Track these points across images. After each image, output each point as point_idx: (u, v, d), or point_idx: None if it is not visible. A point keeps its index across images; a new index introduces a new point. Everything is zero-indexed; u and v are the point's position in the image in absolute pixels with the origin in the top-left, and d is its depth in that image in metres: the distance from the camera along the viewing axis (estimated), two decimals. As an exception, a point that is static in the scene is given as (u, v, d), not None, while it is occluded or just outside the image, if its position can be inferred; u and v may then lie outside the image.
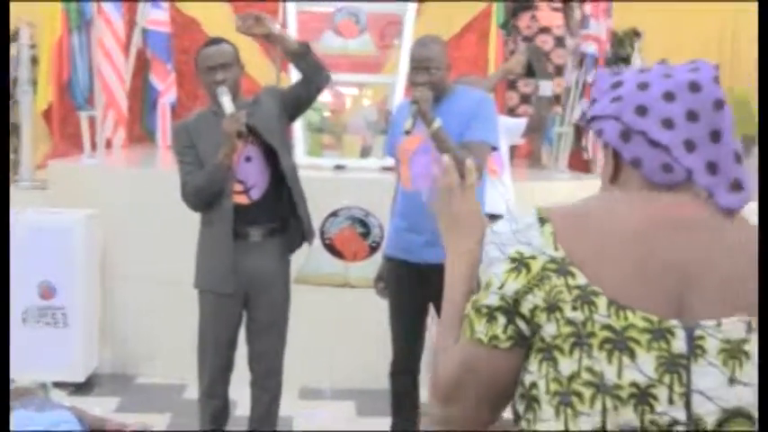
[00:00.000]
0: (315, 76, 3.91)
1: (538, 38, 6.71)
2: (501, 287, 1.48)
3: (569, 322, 1.43)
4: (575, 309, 1.42)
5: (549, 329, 1.44)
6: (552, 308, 1.44)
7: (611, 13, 7.30)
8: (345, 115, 6.69)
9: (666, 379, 1.39)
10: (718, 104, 1.51)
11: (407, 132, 3.76)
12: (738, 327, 1.42)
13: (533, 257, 1.47)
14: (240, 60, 3.93)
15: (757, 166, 2.71)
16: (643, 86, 1.53)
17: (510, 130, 5.12)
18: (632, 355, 1.40)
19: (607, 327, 1.41)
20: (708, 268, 1.44)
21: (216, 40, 3.96)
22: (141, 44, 7.81)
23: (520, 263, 1.48)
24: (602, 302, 1.42)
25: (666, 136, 1.50)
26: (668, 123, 1.50)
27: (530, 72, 5.54)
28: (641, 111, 1.51)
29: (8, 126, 6.02)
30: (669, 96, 1.51)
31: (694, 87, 1.51)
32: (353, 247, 5.41)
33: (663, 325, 1.40)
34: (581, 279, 1.43)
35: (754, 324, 1.42)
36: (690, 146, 1.50)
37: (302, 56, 3.90)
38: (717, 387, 1.40)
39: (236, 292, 3.86)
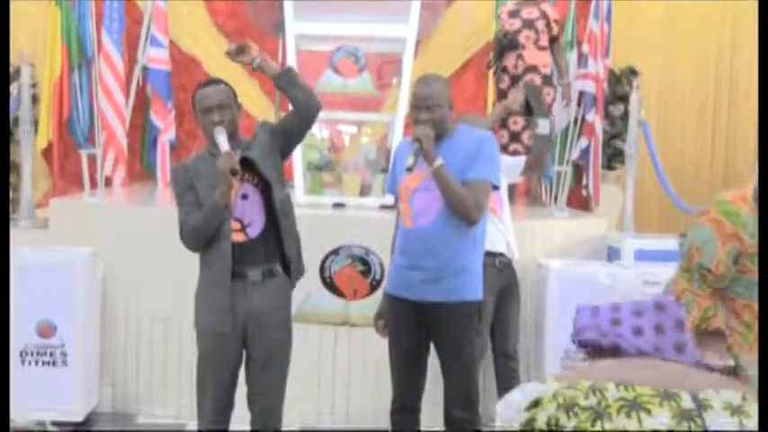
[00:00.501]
0: (305, 105, 3.94)
1: (525, 76, 6.76)
2: None
3: (585, 408, 1.69)
4: (586, 397, 1.72)
5: (569, 425, 1.70)
6: (568, 408, 1.73)
7: (608, 51, 7.35)
8: (345, 154, 6.71)
9: (684, 425, 1.60)
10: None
11: (409, 169, 3.78)
12: (735, 396, 1.70)
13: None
14: (237, 100, 3.95)
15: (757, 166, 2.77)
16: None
17: (508, 168, 5.12)
18: (648, 412, 1.65)
19: (620, 398, 1.70)
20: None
21: (212, 81, 3.99)
22: (141, 82, 7.84)
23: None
24: (610, 386, 1.73)
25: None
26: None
27: (527, 110, 5.55)
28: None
29: (8, 149, 5.97)
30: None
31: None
32: (354, 286, 5.41)
33: (669, 391, 1.69)
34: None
35: (747, 396, 1.70)
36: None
37: (285, 77, 3.93)
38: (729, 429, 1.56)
39: (234, 332, 3.83)
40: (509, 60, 6.92)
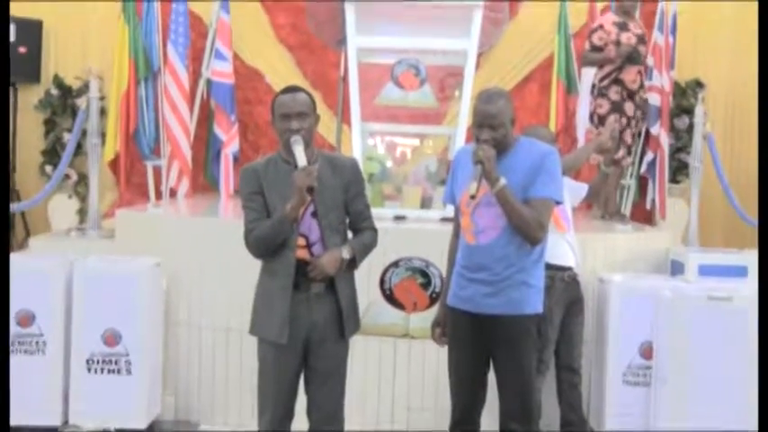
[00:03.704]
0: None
1: (640, 93, 6.72)
2: None
3: None
4: None
5: None
6: None
7: (674, 64, 7.27)
8: (406, 166, 6.72)
9: None
10: None
11: (473, 197, 3.76)
12: None
13: None
14: (316, 110, 3.93)
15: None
16: None
17: (572, 192, 5.15)
18: None
19: None
20: None
21: (293, 88, 3.95)
22: (205, 95, 7.96)
23: None
24: None
25: None
26: None
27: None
28: None
29: (8, 129, 5.99)
30: None
31: None
32: (414, 298, 5.41)
33: None
34: None
35: None
36: None
37: (359, 261, 3.93)
38: None
39: (295, 343, 3.84)
40: (628, 75, 6.78)
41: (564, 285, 4.95)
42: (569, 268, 4.98)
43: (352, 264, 3.90)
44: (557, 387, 5.18)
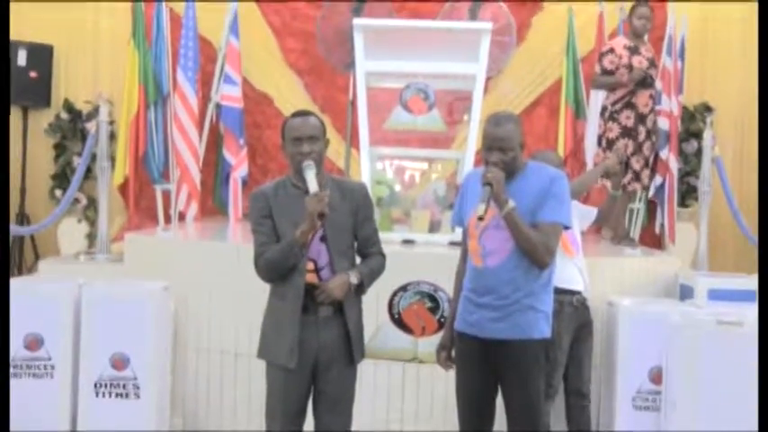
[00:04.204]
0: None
1: (650, 116, 6.75)
2: None
3: None
4: None
5: None
6: None
7: (682, 88, 7.28)
8: (415, 190, 6.72)
9: None
10: None
11: (481, 218, 3.76)
12: None
13: None
14: (326, 134, 3.94)
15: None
16: None
17: (581, 216, 5.17)
18: None
19: None
20: None
21: (303, 112, 3.96)
22: (214, 119, 8.00)
23: None
24: None
25: None
26: None
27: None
28: None
29: (8, 132, 5.97)
30: None
31: None
32: (422, 322, 5.40)
33: None
34: None
35: None
36: None
37: (366, 286, 3.95)
38: None
39: (303, 367, 3.84)
40: (641, 98, 6.80)
41: (573, 309, 4.94)
42: (578, 292, 4.98)
43: (360, 288, 3.91)
44: (566, 411, 5.16)
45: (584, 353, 5.09)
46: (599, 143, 6.90)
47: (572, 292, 4.93)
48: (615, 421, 5.28)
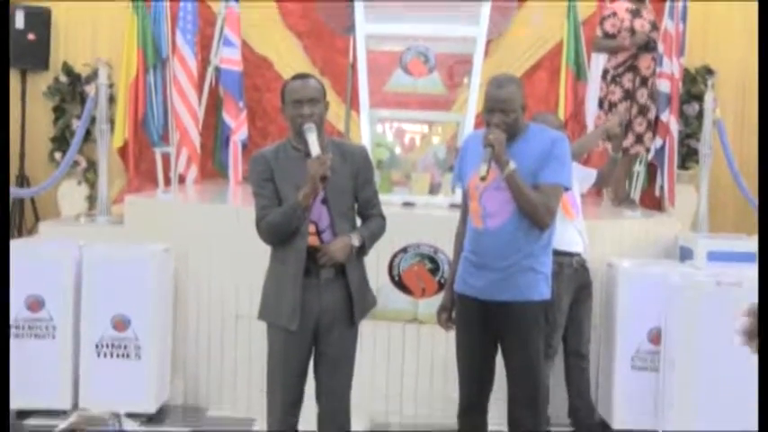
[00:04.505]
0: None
1: (652, 79, 6.72)
2: None
3: None
4: None
5: None
6: None
7: (684, 50, 7.24)
8: (415, 153, 6.71)
9: None
10: None
11: (483, 179, 3.76)
12: None
13: None
14: (326, 97, 3.94)
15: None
16: None
17: (581, 178, 5.17)
18: None
19: None
20: None
21: (303, 75, 3.97)
22: (214, 82, 7.97)
23: None
24: None
25: None
26: None
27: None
28: None
29: (8, 126, 5.97)
30: None
31: None
32: (422, 284, 5.41)
33: None
34: None
35: None
36: None
37: (368, 247, 3.95)
38: None
39: (304, 329, 3.85)
40: (643, 62, 6.77)
41: (572, 271, 4.96)
42: (578, 254, 4.99)
43: (362, 250, 3.91)
44: (565, 373, 5.19)
45: (583, 314, 5.12)
46: (600, 106, 6.88)
47: (571, 254, 4.95)
48: (614, 381, 5.31)
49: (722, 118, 6.77)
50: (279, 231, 3.81)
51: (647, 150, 7.02)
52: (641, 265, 5.42)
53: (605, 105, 6.78)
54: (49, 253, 5.41)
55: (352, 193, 3.94)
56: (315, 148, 3.74)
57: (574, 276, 4.98)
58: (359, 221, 4.02)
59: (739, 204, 7.44)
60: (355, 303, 3.92)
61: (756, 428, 1.50)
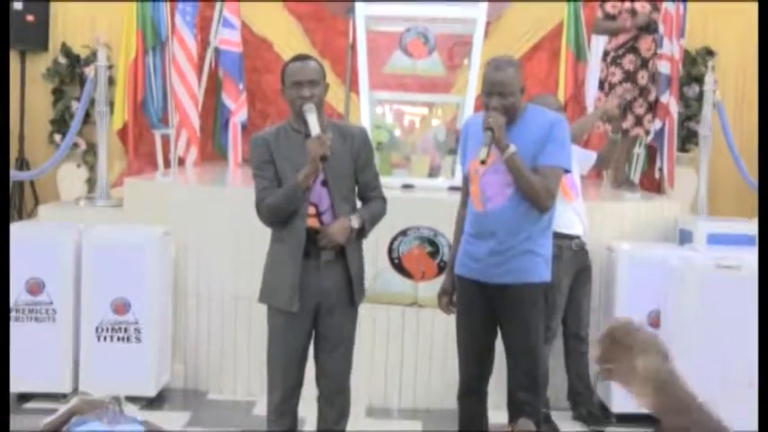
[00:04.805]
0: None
1: (652, 61, 6.70)
2: None
3: None
4: None
5: None
6: None
7: (684, 32, 7.21)
8: (414, 135, 6.71)
9: None
10: None
11: (483, 162, 3.76)
12: None
13: None
14: (326, 78, 3.93)
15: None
16: None
17: (581, 160, 5.16)
18: None
19: None
20: None
21: (303, 56, 3.96)
22: (213, 64, 7.94)
23: None
24: None
25: None
26: None
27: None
28: None
29: (8, 125, 5.96)
30: None
31: None
32: (422, 267, 5.41)
33: None
34: None
35: None
36: None
37: (368, 231, 3.94)
38: None
39: (305, 311, 3.85)
40: (643, 43, 6.75)
41: (572, 254, 4.96)
42: (577, 237, 4.99)
43: (361, 232, 3.91)
44: (564, 356, 5.20)
45: (582, 297, 5.13)
46: (601, 87, 6.86)
47: (571, 237, 4.95)
48: (613, 364, 5.31)
49: (722, 100, 6.76)
50: (279, 213, 3.81)
51: (647, 132, 7.00)
52: (641, 247, 5.42)
53: (605, 87, 6.76)
54: (49, 236, 5.41)
55: (352, 174, 3.94)
56: (315, 129, 3.73)
57: (573, 259, 4.98)
58: (359, 203, 4.02)
59: (739, 186, 7.43)
60: (355, 285, 3.93)
61: (756, 421, 1.48)
